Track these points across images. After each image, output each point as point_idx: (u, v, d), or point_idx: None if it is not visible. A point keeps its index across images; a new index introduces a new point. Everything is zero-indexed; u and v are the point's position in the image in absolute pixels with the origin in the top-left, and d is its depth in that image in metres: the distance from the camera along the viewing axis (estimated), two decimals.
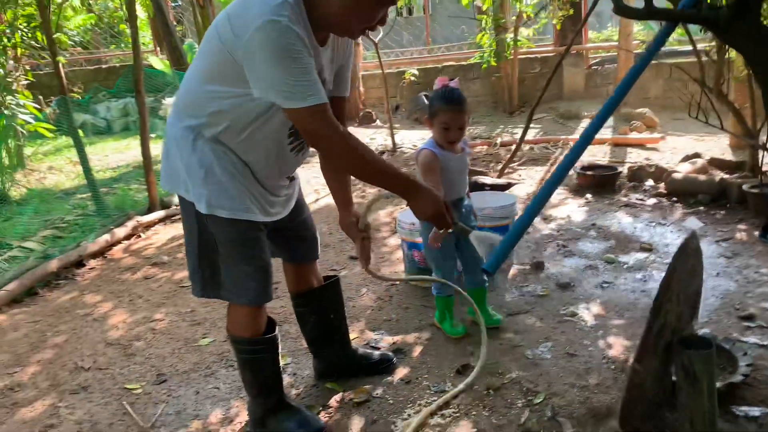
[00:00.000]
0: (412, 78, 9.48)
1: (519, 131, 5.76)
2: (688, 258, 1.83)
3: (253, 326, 2.10)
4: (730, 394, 2.17)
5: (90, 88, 10.70)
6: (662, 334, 1.78)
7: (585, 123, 7.77)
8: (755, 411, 2.10)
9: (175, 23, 10.14)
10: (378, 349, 2.78)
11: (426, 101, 9.36)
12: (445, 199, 1.97)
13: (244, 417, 2.35)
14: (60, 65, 5.18)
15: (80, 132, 9.82)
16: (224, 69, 1.74)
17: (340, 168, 2.12)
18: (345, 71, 2.05)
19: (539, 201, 1.72)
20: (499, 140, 7.08)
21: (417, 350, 2.75)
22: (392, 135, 7.35)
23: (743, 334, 2.65)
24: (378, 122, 9.25)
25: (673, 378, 1.84)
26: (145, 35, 12.74)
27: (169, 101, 9.96)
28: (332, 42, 1.89)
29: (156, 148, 8.68)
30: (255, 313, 2.08)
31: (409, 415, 2.28)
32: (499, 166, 5.65)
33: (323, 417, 2.30)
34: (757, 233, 3.70)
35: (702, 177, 4.58)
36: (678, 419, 1.86)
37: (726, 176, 4.61)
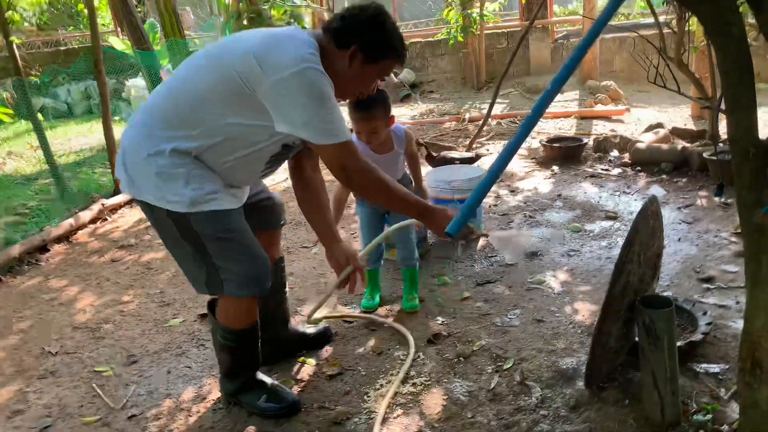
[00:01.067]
0: None
1: (487, 106, 5.77)
2: (648, 220, 1.88)
3: (248, 318, 2.09)
4: (691, 352, 2.24)
5: (48, 70, 10.36)
6: (625, 294, 1.83)
7: None
8: (714, 367, 2.18)
9: (135, 2, 9.84)
10: (351, 323, 2.80)
11: (395, 78, 9.32)
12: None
13: (216, 394, 2.34)
14: (14, 45, 5.00)
15: (40, 116, 9.57)
16: (237, 99, 1.82)
17: (367, 197, 2.22)
18: None
19: (498, 166, 1.73)
20: (467, 116, 7.10)
21: (388, 322, 2.77)
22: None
23: (704, 296, 2.74)
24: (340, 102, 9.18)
25: (636, 338, 1.90)
26: (105, 15, 12.35)
27: (132, 83, 9.72)
28: None
29: (119, 132, 8.52)
30: (251, 304, 2.07)
31: (381, 385, 2.30)
32: (467, 141, 5.67)
33: (296, 390, 2.31)
34: (718, 198, 3.80)
35: (664, 146, 4.67)
36: (641, 377, 1.92)
37: (688, 145, 4.71)
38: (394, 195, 1.96)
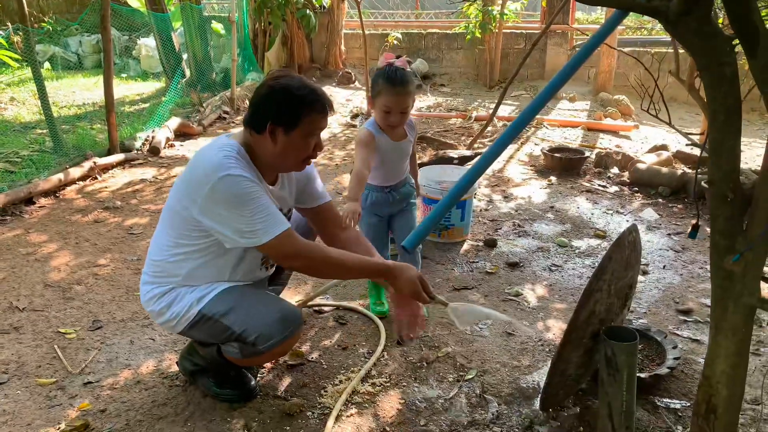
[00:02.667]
0: (395, 42, 9.32)
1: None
2: (624, 250, 1.84)
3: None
4: (655, 385, 2.21)
5: (59, 20, 10.27)
6: (590, 323, 1.80)
7: (563, 104, 7.74)
8: (676, 403, 2.15)
9: None
10: (321, 314, 2.77)
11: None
12: (384, 184, 2.15)
13: (175, 370, 2.32)
14: None
15: (48, 65, 9.50)
16: (189, 229, 1.91)
17: (321, 276, 2.21)
18: (312, 184, 2.22)
19: (461, 186, 1.67)
20: (474, 114, 7.03)
21: (359, 318, 2.74)
22: (368, 98, 7.23)
23: (679, 328, 2.71)
24: (356, 83, 9.11)
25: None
26: None
27: (143, 42, 9.65)
28: (281, 179, 2.07)
29: (127, 89, 8.48)
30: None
31: (340, 381, 2.28)
32: (470, 140, 5.61)
33: (256, 378, 2.28)
34: (709, 229, 3.74)
35: (665, 169, 4.62)
36: (598, 406, 1.90)
37: (689, 170, 4.65)
38: (347, 266, 1.95)
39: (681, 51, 4.29)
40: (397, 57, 2.46)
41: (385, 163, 2.57)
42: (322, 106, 1.88)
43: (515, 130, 1.50)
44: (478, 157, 4.98)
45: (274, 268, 2.24)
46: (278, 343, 1.94)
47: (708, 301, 2.91)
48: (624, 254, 1.85)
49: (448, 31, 9.70)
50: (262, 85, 1.90)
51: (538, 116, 6.97)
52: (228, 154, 1.83)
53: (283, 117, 1.85)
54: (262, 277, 2.18)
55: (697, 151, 5.53)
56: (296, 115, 1.85)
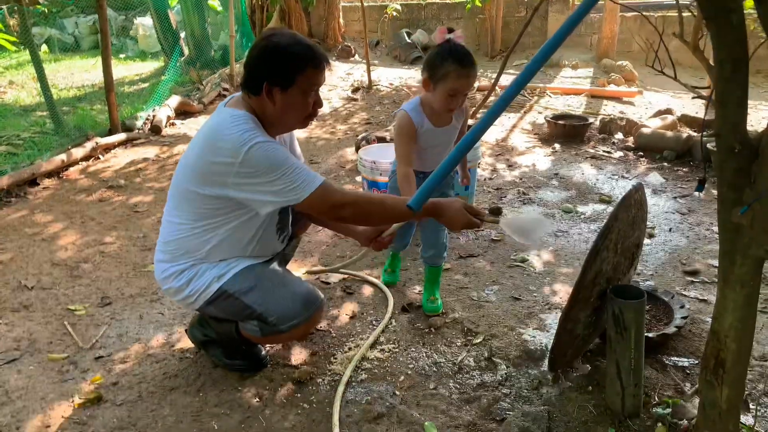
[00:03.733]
0: (394, 13, 9.20)
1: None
2: (630, 209, 1.83)
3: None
4: (663, 344, 2.22)
5: (54, 1, 10.17)
6: (596, 282, 1.79)
7: (565, 72, 7.66)
8: (684, 361, 2.17)
9: None
10: (328, 284, 2.78)
11: (408, 39, 9.13)
12: (421, 170, 2.17)
13: (185, 343, 2.34)
14: None
15: (45, 47, 9.43)
16: (212, 207, 1.88)
17: (367, 222, 2.12)
18: (294, 146, 2.21)
19: (463, 146, 1.63)
20: (476, 84, 6.95)
21: (366, 288, 2.75)
22: (369, 72, 7.18)
23: (686, 289, 2.71)
24: (357, 57, 9.02)
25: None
26: None
27: (140, 21, 9.55)
28: (279, 139, 2.05)
29: (126, 69, 8.42)
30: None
31: (349, 348, 2.30)
32: (472, 111, 5.56)
33: (265, 348, 2.30)
34: (714, 191, 3.73)
35: (669, 133, 4.58)
36: (606, 365, 1.91)
37: (694, 134, 4.62)
38: (391, 206, 1.89)
39: (685, 14, 4.24)
40: (450, 30, 2.22)
41: (424, 150, 2.34)
42: (318, 62, 1.83)
43: (516, 88, 1.47)
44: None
45: (287, 243, 2.24)
46: (299, 324, 1.95)
47: (715, 262, 2.91)
48: (630, 213, 1.84)
49: (447, 1, 9.57)
50: (254, 46, 1.86)
51: (540, 85, 6.92)
52: (244, 125, 1.79)
53: (278, 76, 1.80)
54: (278, 250, 2.17)
55: (701, 115, 5.48)
56: (291, 72, 1.80)
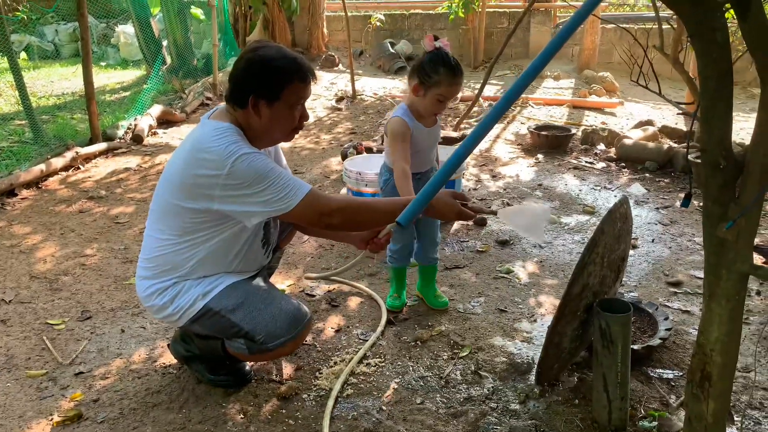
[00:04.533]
0: (378, 23, 9.23)
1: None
2: (615, 222, 1.84)
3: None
4: (648, 356, 2.23)
5: (34, 8, 10.04)
6: (583, 296, 1.80)
7: (547, 83, 7.73)
8: (668, 373, 2.18)
9: None
10: (313, 296, 2.76)
11: (391, 49, 9.16)
12: (414, 171, 2.14)
13: (167, 358, 2.30)
14: None
15: (24, 55, 9.30)
16: (197, 221, 1.85)
17: (359, 227, 2.09)
18: (279, 157, 2.17)
19: (453, 161, 1.64)
20: (459, 94, 6.98)
21: (352, 300, 2.74)
22: (353, 81, 7.18)
23: (669, 300, 2.73)
24: (340, 66, 9.03)
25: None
26: None
27: (121, 29, 9.47)
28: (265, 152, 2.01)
29: (107, 77, 8.33)
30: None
31: (335, 362, 2.28)
32: (456, 121, 5.59)
33: (249, 364, 2.27)
34: (697, 202, 3.78)
35: (651, 144, 4.63)
36: (592, 378, 1.91)
37: (675, 145, 4.68)
38: (382, 209, 1.88)
39: (665, 27, 4.29)
40: (435, 38, 2.30)
41: (419, 151, 2.43)
42: (304, 75, 1.83)
43: (506, 102, 1.48)
44: (468, 134, 4.98)
45: (271, 256, 2.22)
46: (287, 342, 1.93)
47: (697, 273, 2.94)
48: (616, 227, 1.85)
49: (431, 12, 9.63)
50: (240, 59, 1.84)
51: (523, 95, 6.97)
52: (229, 137, 1.77)
53: (264, 89, 1.79)
54: (264, 263, 2.15)
55: (681, 126, 5.56)
56: (277, 86, 1.80)
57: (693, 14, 1.26)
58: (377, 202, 1.94)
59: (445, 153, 3.57)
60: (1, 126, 5.45)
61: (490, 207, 3.54)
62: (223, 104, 1.94)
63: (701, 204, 3.67)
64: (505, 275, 2.94)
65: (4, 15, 4.88)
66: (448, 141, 4.57)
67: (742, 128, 5.45)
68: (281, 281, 2.88)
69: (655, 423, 1.86)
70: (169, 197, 1.86)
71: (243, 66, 1.82)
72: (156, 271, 1.95)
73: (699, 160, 4.03)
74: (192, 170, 1.78)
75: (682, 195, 3.95)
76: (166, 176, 1.90)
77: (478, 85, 7.18)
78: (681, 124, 5.82)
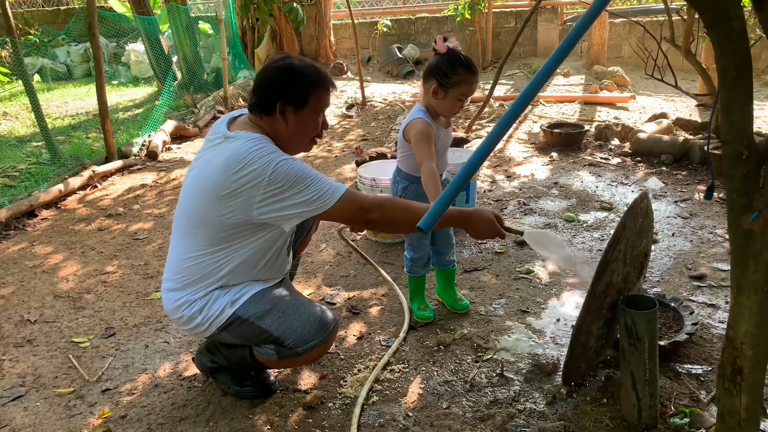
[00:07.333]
0: (385, 29, 9.25)
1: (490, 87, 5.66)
2: (637, 218, 1.82)
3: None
4: (675, 352, 2.20)
5: (45, 31, 10.20)
6: (607, 293, 1.78)
7: (557, 80, 7.69)
8: (697, 368, 2.14)
9: None
10: (334, 305, 2.76)
11: (399, 54, 9.17)
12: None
13: (192, 371, 2.31)
14: (6, 3, 4.87)
15: (38, 77, 9.44)
16: (232, 232, 1.88)
17: (395, 228, 2.12)
18: None
19: (473, 163, 1.63)
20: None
21: (372, 306, 2.73)
22: (362, 88, 7.20)
23: (693, 294, 2.69)
24: (349, 74, 9.06)
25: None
26: None
27: (131, 47, 9.58)
28: None
29: (119, 95, 8.43)
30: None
31: (359, 370, 2.27)
32: (468, 123, 5.58)
33: (273, 374, 2.27)
34: (717, 194, 3.73)
35: (666, 137, 4.59)
36: (620, 377, 1.89)
37: (690, 137, 4.63)
38: (419, 209, 1.86)
39: (674, 18, 4.25)
40: (445, 39, 2.31)
41: (438, 152, 2.41)
42: (328, 84, 1.92)
43: (521, 104, 1.47)
44: (483, 138, 4.95)
45: (292, 259, 2.26)
46: (316, 346, 1.95)
47: (721, 266, 2.90)
48: (637, 222, 1.83)
49: (437, 15, 9.64)
50: (265, 68, 1.91)
51: None
52: (265, 146, 1.82)
53: (293, 95, 1.87)
54: (289, 268, 2.20)
55: (696, 118, 5.50)
56: (305, 92, 1.88)
57: (710, 5, 1.25)
58: (413, 202, 1.97)
59: (453, 155, 3.57)
60: (19, 148, 5.53)
61: (504, 216, 3.53)
62: (237, 113, 1.99)
63: (721, 195, 3.64)
64: (526, 276, 2.92)
65: (18, 39, 4.94)
66: (455, 142, 4.56)
67: (758, 116, 5.38)
68: (301, 290, 2.88)
69: (686, 419, 1.84)
70: (203, 210, 1.88)
71: (271, 74, 1.89)
72: (184, 283, 1.97)
73: (718, 152, 3.99)
74: (231, 181, 1.79)
75: (701, 187, 3.92)
76: (196, 190, 1.90)
77: (488, 86, 7.18)
78: (695, 115, 5.75)
